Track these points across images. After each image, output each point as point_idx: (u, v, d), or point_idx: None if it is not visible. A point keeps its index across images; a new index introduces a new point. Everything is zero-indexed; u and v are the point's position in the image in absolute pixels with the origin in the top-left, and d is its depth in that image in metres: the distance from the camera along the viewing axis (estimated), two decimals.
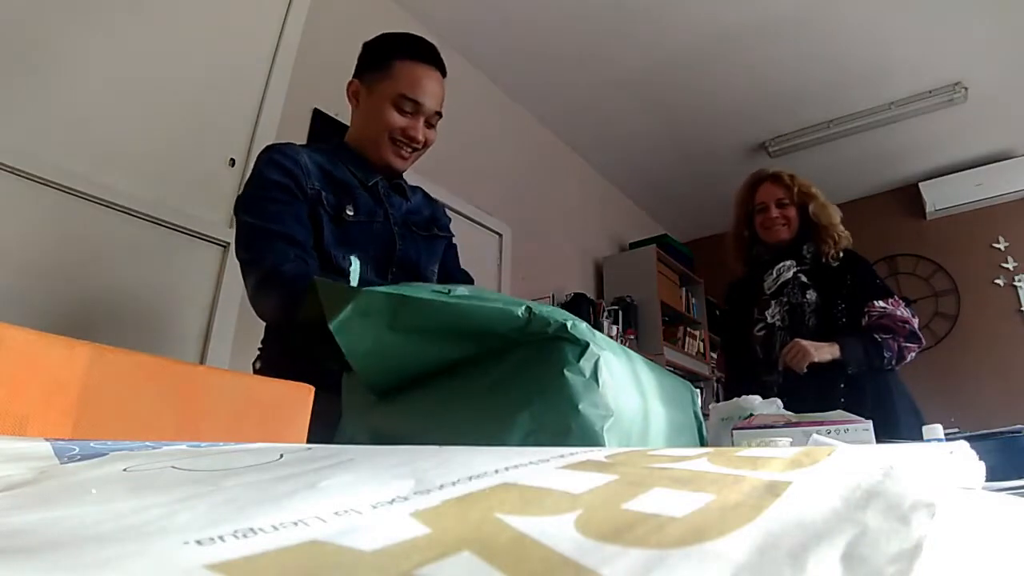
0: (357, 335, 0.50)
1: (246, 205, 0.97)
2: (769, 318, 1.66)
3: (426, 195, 1.23)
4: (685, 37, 2.71)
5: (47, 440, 0.26)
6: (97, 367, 0.49)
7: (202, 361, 1.61)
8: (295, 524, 0.14)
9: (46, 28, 1.45)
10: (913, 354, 1.52)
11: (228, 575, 0.11)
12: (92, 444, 0.26)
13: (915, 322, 1.54)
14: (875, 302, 1.55)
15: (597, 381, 0.48)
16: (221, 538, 0.13)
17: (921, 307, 3.49)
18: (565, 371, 0.47)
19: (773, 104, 3.15)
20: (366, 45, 1.12)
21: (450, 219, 1.26)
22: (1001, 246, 3.47)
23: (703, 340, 3.74)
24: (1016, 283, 3.39)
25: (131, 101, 1.58)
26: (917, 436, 1.03)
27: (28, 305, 1.32)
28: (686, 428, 0.69)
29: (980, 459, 0.21)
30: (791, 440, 0.69)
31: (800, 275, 1.65)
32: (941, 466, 0.19)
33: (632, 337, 3.25)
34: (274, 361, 1.01)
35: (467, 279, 1.24)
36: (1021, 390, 3.12)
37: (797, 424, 0.78)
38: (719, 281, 2.79)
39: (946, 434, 0.88)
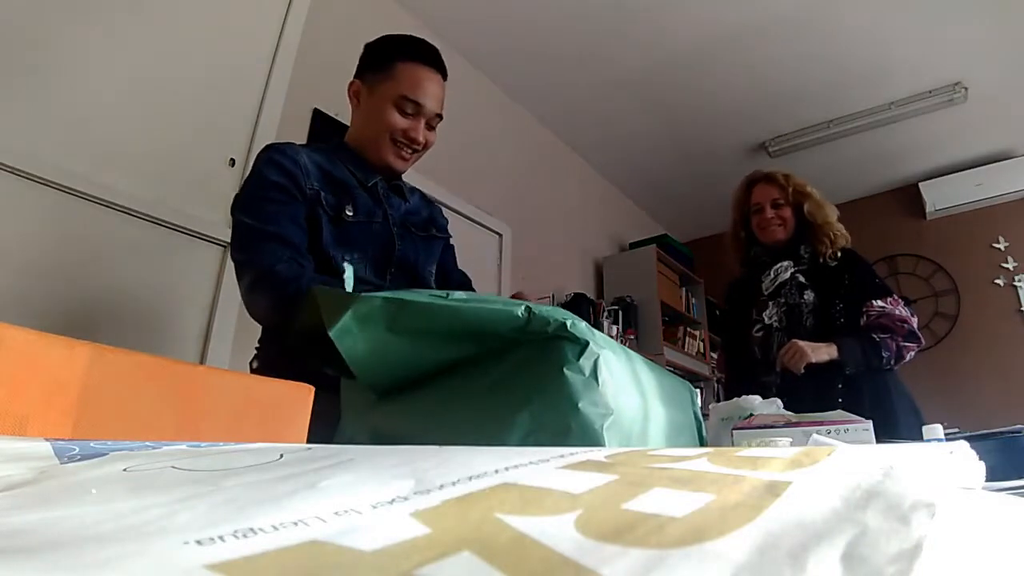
0: (357, 340, 0.50)
1: (243, 204, 0.97)
2: (767, 319, 1.66)
3: (423, 196, 1.23)
4: (685, 37, 2.71)
5: (47, 440, 0.26)
6: (97, 367, 0.49)
7: (202, 361, 1.61)
8: (295, 524, 0.14)
9: (46, 28, 1.45)
10: (912, 353, 1.52)
11: (228, 575, 0.11)
12: (92, 444, 0.26)
13: (914, 321, 1.53)
14: (873, 301, 1.54)
15: (597, 380, 0.48)
16: (221, 538, 0.13)
17: (921, 307, 3.49)
18: (565, 370, 0.47)
19: (773, 104, 3.15)
20: (368, 46, 1.12)
21: (447, 220, 1.26)
22: (1001, 246, 3.47)
23: (703, 340, 3.74)
24: (1016, 283, 3.39)
25: (131, 101, 1.58)
26: (917, 436, 1.03)
27: (28, 305, 1.32)
28: (686, 428, 0.69)
29: (980, 459, 0.21)
30: (791, 440, 0.69)
31: (798, 275, 1.65)
32: (941, 466, 0.19)
33: (632, 337, 3.25)
34: (271, 361, 1.01)
35: (464, 279, 1.25)
36: (1021, 390, 3.12)
37: (797, 424, 0.79)
38: (719, 281, 2.79)
39: (946, 434, 0.88)
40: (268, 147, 1.03)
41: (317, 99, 2.04)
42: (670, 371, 0.88)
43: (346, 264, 0.98)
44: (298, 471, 0.20)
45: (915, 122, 3.20)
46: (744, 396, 0.98)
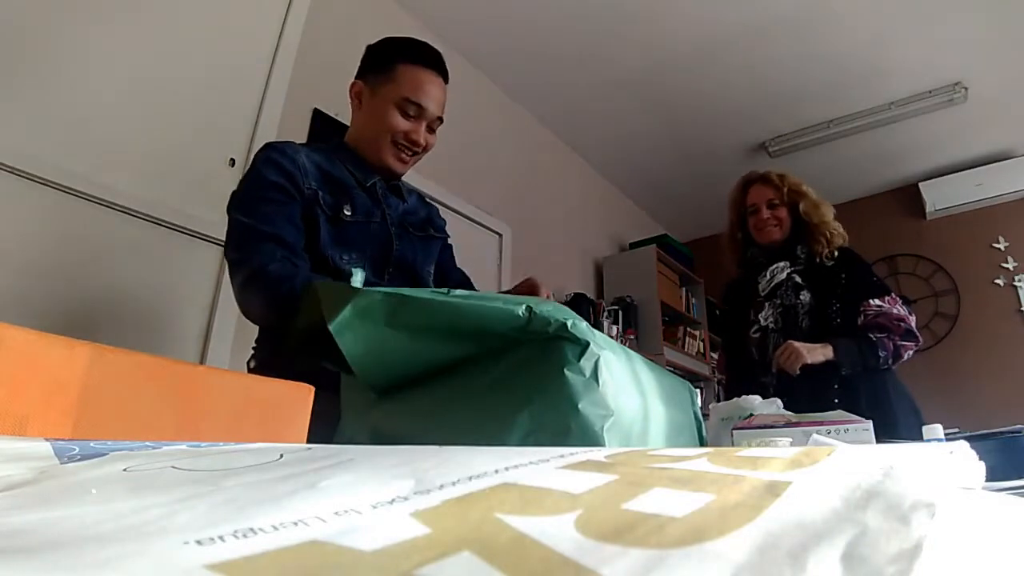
0: (357, 335, 0.50)
1: (240, 203, 0.97)
2: (763, 321, 1.66)
3: (421, 196, 1.23)
4: (685, 37, 2.71)
5: (47, 440, 0.26)
6: (97, 367, 0.49)
7: (202, 361, 1.61)
8: (295, 524, 0.14)
9: (46, 28, 1.45)
10: (910, 352, 1.51)
11: (228, 575, 0.11)
12: (92, 444, 0.26)
13: (911, 320, 1.52)
14: (870, 300, 1.53)
15: (597, 380, 0.48)
16: (221, 538, 0.13)
17: (921, 307, 3.49)
18: (565, 370, 0.47)
19: (773, 104, 3.15)
20: (370, 48, 1.12)
21: (445, 220, 1.26)
22: (1001, 246, 3.47)
23: (703, 340, 3.74)
24: (1016, 283, 3.39)
25: (131, 101, 1.58)
26: (916, 436, 1.03)
27: (28, 305, 1.32)
28: (686, 428, 0.69)
29: (980, 459, 0.21)
30: (791, 440, 0.69)
31: (794, 276, 1.64)
32: (941, 466, 0.19)
33: (632, 337, 3.25)
34: (268, 361, 1.01)
35: (464, 278, 1.25)
36: (1021, 390, 3.12)
37: (797, 424, 0.79)
38: (719, 281, 2.79)
39: (946, 434, 0.88)
40: (267, 146, 1.03)
41: (317, 99, 2.04)
42: (670, 371, 0.88)
43: (356, 269, 0.98)
44: (298, 471, 0.20)
45: (915, 122, 3.20)
46: (744, 396, 0.98)
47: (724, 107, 3.17)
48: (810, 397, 1.36)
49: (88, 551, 0.12)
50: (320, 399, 0.65)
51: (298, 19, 2.03)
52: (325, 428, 0.63)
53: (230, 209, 0.98)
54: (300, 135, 1.96)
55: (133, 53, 1.60)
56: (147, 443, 0.28)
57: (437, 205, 1.35)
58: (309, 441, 0.61)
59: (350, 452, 0.22)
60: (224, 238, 1.01)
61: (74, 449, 0.25)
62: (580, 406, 0.46)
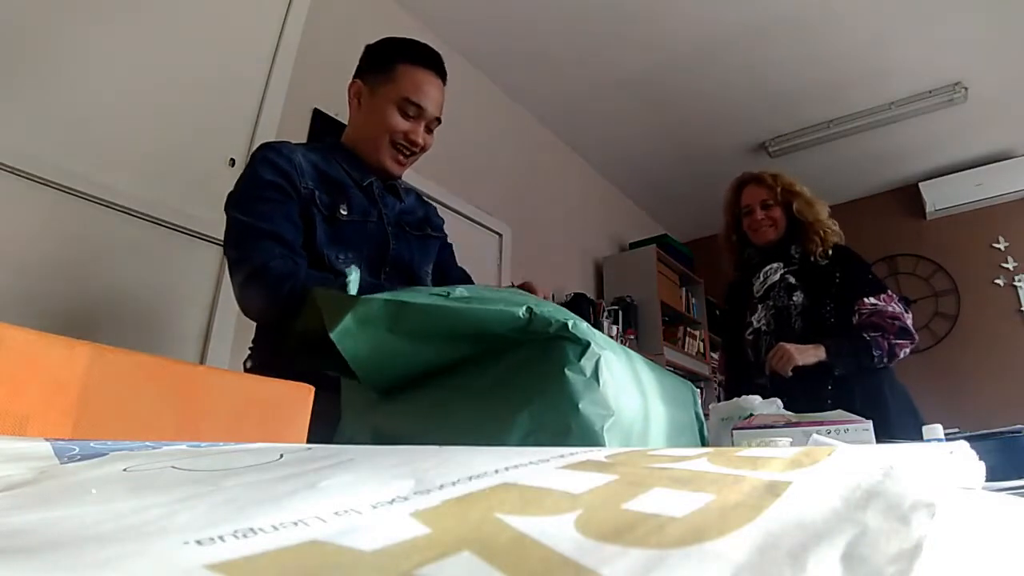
0: (358, 342, 0.50)
1: (237, 202, 0.97)
2: (755, 322, 1.65)
3: (419, 196, 1.23)
4: (685, 37, 2.71)
5: (47, 440, 0.26)
6: (97, 367, 0.49)
7: (202, 361, 1.61)
8: (295, 524, 0.14)
9: (46, 28, 1.45)
10: (906, 351, 1.49)
11: (228, 575, 0.11)
12: (92, 444, 0.26)
13: (907, 318, 1.50)
14: (865, 299, 1.52)
15: (598, 380, 0.48)
16: (221, 538, 0.13)
17: (921, 307, 3.49)
18: (566, 370, 0.47)
19: (773, 104, 3.15)
20: (369, 47, 1.12)
21: (443, 220, 1.26)
22: (1001, 246, 3.47)
23: (703, 340, 3.74)
24: (1016, 283, 3.39)
25: (131, 101, 1.58)
26: (914, 436, 1.03)
27: (28, 305, 1.32)
28: (687, 428, 0.69)
29: (980, 459, 0.21)
30: (791, 440, 0.69)
31: (788, 276, 1.63)
32: (941, 466, 0.19)
33: (632, 337, 3.25)
34: (266, 361, 1.01)
35: (465, 277, 1.25)
36: (1021, 390, 3.12)
37: (797, 424, 0.79)
38: (719, 281, 2.79)
39: (946, 434, 0.88)
40: (263, 145, 1.03)
41: (317, 99, 2.04)
42: (670, 371, 0.88)
43: (352, 268, 0.98)
44: (298, 471, 0.20)
45: (915, 122, 3.19)
46: (744, 396, 0.98)
47: (724, 107, 3.17)
48: (804, 398, 1.35)
49: (88, 551, 0.12)
50: (320, 399, 0.65)
51: (298, 19, 2.03)
52: (325, 428, 0.63)
53: (228, 208, 0.98)
54: (300, 135, 1.96)
55: (133, 53, 1.60)
56: (147, 443, 0.28)
57: (436, 205, 1.35)
58: (309, 441, 0.61)
59: (350, 452, 0.22)
60: (223, 238, 1.01)
61: (74, 449, 0.25)
62: (581, 406, 0.46)
